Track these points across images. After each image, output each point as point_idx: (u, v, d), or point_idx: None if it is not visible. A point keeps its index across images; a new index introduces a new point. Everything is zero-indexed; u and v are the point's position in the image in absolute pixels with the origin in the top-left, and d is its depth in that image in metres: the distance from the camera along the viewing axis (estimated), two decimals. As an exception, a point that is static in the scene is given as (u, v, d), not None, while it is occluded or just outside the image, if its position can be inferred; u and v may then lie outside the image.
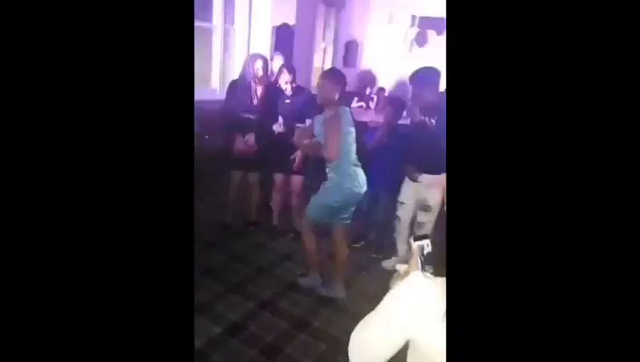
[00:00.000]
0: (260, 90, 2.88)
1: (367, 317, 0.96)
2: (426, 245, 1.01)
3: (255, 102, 2.86)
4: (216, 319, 2.19)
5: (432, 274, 0.92)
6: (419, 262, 0.99)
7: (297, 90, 2.93)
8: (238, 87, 2.88)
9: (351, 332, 0.95)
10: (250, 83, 2.83)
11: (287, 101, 2.92)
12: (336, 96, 2.17)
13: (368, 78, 6.09)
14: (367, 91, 5.82)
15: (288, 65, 2.97)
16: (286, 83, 2.88)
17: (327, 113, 2.17)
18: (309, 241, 2.42)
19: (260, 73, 2.80)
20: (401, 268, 1.07)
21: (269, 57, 3.22)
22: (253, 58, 2.86)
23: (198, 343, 1.96)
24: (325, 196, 2.28)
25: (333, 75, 2.26)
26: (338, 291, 2.46)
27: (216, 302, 2.34)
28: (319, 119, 2.22)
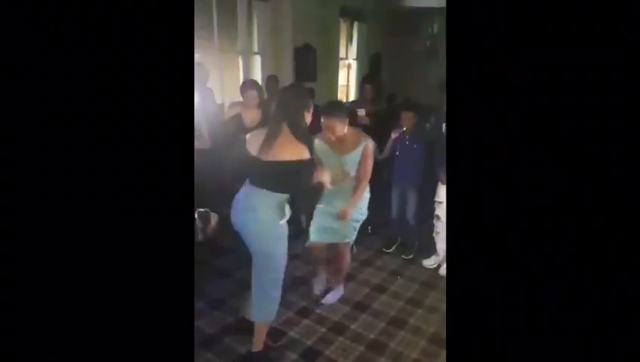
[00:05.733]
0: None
1: None
2: None
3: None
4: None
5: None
6: None
7: None
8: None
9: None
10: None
11: None
12: (345, 129, 2.21)
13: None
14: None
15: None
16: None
17: (367, 144, 2.26)
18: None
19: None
20: None
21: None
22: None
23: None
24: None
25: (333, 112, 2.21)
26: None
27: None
28: (358, 151, 2.26)
